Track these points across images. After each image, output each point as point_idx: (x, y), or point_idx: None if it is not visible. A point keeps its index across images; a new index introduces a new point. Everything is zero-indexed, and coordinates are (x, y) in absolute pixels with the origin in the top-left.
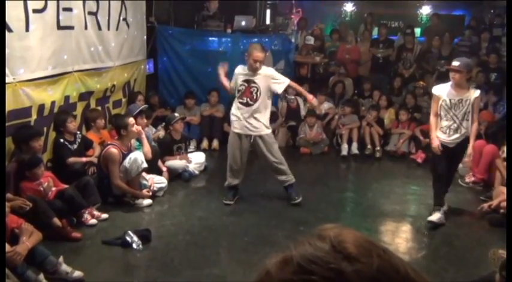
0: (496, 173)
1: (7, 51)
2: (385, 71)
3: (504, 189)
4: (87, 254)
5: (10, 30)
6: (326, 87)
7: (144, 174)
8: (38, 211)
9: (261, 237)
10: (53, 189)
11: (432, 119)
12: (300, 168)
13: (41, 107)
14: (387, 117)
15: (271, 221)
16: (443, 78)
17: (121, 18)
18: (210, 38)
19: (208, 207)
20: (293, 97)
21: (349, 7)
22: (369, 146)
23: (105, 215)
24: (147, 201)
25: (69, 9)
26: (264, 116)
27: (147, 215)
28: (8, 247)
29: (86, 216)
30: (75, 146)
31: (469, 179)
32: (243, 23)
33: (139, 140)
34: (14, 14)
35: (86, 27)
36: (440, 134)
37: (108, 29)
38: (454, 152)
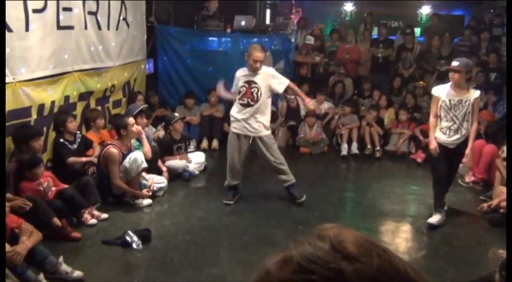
0: (495, 172)
1: (7, 51)
2: (385, 71)
3: (504, 189)
4: (87, 254)
5: (10, 30)
6: (326, 87)
7: (144, 174)
8: (38, 211)
9: (260, 237)
10: (53, 189)
11: (432, 120)
12: (300, 168)
13: (41, 107)
14: (387, 117)
15: (271, 220)
16: (443, 78)
17: (121, 18)
18: (210, 38)
19: (208, 207)
20: (293, 97)
21: (349, 7)
22: (369, 146)
23: (105, 215)
24: (147, 201)
25: (69, 9)
26: (265, 116)
27: (147, 215)
28: (8, 247)
29: (86, 216)
30: (75, 146)
31: (469, 178)
32: (243, 23)
33: (139, 139)
34: (14, 14)
35: (85, 27)
36: (441, 135)
37: (108, 28)
38: (454, 153)
